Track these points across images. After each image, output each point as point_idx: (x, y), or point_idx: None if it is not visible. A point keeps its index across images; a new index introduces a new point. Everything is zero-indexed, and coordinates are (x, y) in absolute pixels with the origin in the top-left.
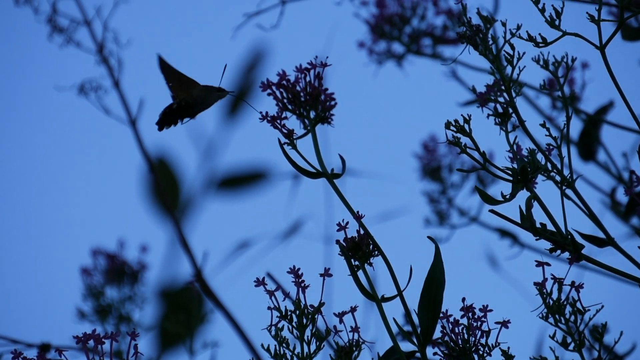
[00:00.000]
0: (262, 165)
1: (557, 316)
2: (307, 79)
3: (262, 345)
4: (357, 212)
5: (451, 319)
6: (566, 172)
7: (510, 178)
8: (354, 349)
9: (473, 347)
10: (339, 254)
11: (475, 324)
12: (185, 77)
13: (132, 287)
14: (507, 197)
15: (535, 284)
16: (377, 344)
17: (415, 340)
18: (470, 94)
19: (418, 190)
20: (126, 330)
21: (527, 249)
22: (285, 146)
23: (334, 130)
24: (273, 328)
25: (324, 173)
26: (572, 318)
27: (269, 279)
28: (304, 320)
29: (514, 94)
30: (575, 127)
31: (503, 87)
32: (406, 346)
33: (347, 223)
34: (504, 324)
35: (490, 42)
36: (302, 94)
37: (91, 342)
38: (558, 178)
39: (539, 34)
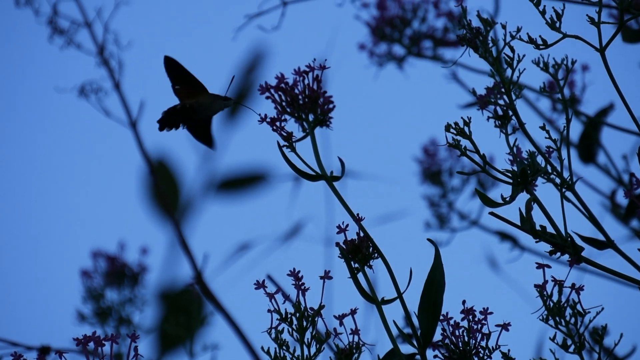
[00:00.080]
0: (262, 168)
1: (557, 318)
2: (306, 81)
3: (262, 348)
4: (357, 214)
5: (451, 322)
6: (566, 174)
7: (510, 180)
8: (354, 351)
9: (473, 350)
10: (339, 256)
11: (475, 327)
12: (196, 80)
13: (132, 289)
14: (507, 199)
15: (535, 286)
16: (377, 346)
17: (415, 343)
18: (471, 96)
19: (418, 193)
20: (126, 332)
21: (527, 252)
22: (284, 149)
23: (334, 132)
24: (273, 331)
25: (323, 176)
26: (573, 320)
27: (269, 281)
28: (304, 323)
29: (514, 97)
30: (576, 130)
31: (503, 90)
32: (406, 349)
33: (347, 225)
34: (505, 326)
35: (491, 44)
36: (300, 97)
37: (91, 345)
38: (558, 180)
39: (540, 36)
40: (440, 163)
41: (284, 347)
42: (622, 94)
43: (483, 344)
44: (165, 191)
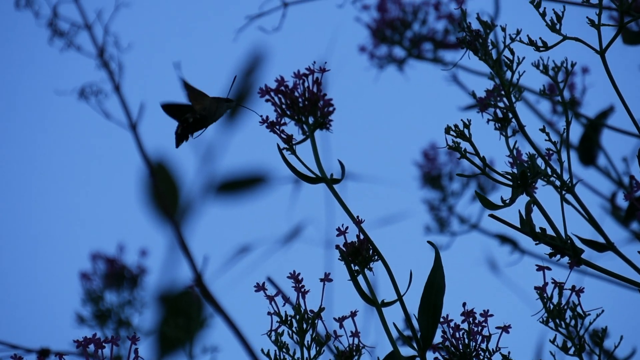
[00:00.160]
0: (262, 170)
1: (557, 320)
2: (306, 84)
3: (262, 350)
4: (357, 217)
5: (452, 324)
6: (566, 176)
7: (510, 183)
8: (354, 353)
9: (474, 352)
10: (339, 258)
11: (476, 329)
12: (196, 89)
13: (131, 291)
14: (507, 201)
15: (536, 288)
16: (377, 348)
17: (415, 345)
18: (471, 99)
19: (418, 196)
20: (126, 334)
21: (527, 255)
22: (284, 151)
23: (334, 135)
24: (273, 333)
25: (323, 178)
26: (573, 322)
27: (269, 283)
28: (304, 325)
29: (513, 99)
30: (576, 132)
31: (503, 92)
32: (406, 351)
33: (347, 228)
34: (505, 328)
35: (490, 47)
36: (300, 99)
37: (91, 347)
38: (558, 183)
39: (540, 38)
40: (440, 167)
41: (284, 350)
42: (622, 96)
43: (483, 346)
44: (165, 193)
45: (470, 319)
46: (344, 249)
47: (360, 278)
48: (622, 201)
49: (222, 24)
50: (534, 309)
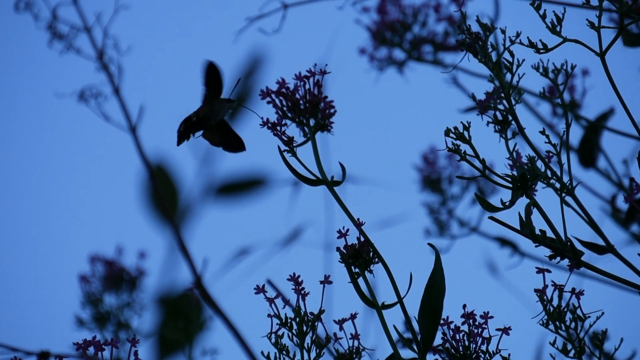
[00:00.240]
0: (262, 172)
1: (557, 323)
2: (307, 86)
3: (262, 353)
4: (358, 219)
5: (452, 326)
6: (566, 179)
7: (510, 185)
8: (354, 356)
9: (474, 354)
10: (339, 261)
11: (476, 331)
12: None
13: (130, 293)
14: (507, 204)
15: (535, 290)
16: (377, 351)
17: (415, 348)
18: (471, 101)
19: (418, 198)
20: (126, 337)
21: (527, 257)
22: (285, 153)
23: (334, 137)
24: (273, 335)
25: (324, 180)
26: (573, 325)
27: (269, 286)
28: (304, 328)
29: (513, 101)
30: (576, 134)
31: (503, 95)
32: (406, 353)
33: (348, 230)
34: (505, 330)
35: (490, 49)
36: (301, 101)
37: (91, 349)
38: (558, 185)
39: (540, 40)
40: (439, 171)
41: (283, 352)
42: (622, 99)
43: (483, 348)
44: (164, 195)
45: (471, 321)
46: (344, 251)
47: (360, 280)
48: (622, 203)
49: (221, 26)
50: (533, 312)
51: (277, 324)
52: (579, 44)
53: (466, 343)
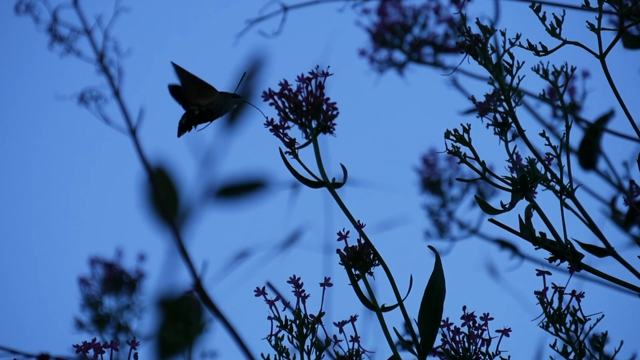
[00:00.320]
0: (262, 174)
1: (557, 325)
2: (309, 88)
3: (262, 355)
4: (358, 221)
5: (452, 327)
6: (566, 181)
7: (510, 188)
8: (354, 358)
9: (474, 356)
10: (339, 263)
11: (476, 332)
12: (203, 82)
13: (130, 296)
14: (507, 206)
15: (536, 293)
16: (377, 353)
17: (415, 350)
18: (471, 103)
19: (418, 200)
20: (125, 339)
21: (527, 260)
22: (286, 155)
23: (334, 139)
24: (273, 338)
25: (325, 182)
26: (573, 327)
27: (269, 288)
28: (304, 330)
29: (513, 104)
30: (576, 136)
31: (503, 97)
32: (406, 356)
33: (348, 232)
34: (505, 332)
35: (490, 51)
36: (304, 103)
37: (91, 352)
38: (558, 187)
39: (540, 43)
40: (439, 173)
41: (283, 354)
42: (622, 101)
43: (483, 349)
44: (164, 198)
45: (470, 323)
46: (344, 253)
47: (360, 282)
48: (622, 206)
49: (222, 28)
50: (534, 314)
51: (277, 326)
52: (578, 46)
53: (466, 345)
